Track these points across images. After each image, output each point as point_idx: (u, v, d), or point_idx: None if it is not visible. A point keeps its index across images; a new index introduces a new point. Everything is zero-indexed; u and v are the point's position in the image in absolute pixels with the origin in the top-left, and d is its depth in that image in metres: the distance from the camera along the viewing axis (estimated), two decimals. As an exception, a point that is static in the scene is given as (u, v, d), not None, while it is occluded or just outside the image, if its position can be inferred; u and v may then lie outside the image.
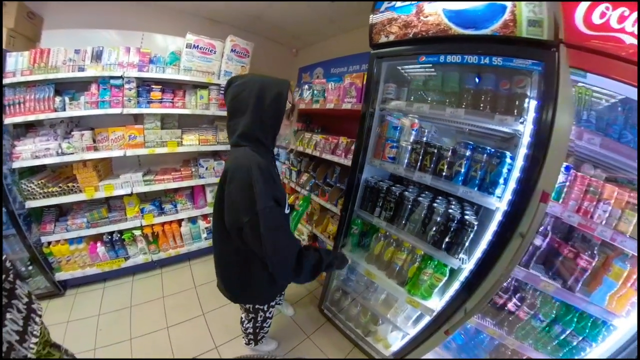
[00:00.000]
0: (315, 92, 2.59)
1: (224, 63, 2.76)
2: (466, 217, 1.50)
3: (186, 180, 2.88)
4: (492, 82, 1.41)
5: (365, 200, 1.98)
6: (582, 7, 1.06)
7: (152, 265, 2.87)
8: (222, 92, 2.70)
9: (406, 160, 1.71)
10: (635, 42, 0.98)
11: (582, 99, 1.23)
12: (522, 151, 1.28)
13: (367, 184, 1.95)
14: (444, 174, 1.53)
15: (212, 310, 2.49)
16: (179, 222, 2.99)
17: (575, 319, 1.37)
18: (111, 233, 2.65)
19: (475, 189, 1.42)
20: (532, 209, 1.17)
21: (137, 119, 2.77)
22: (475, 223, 1.45)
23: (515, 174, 1.31)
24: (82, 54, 2.39)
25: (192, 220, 3.05)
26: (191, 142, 2.83)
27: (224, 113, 2.82)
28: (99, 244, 2.59)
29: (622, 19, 1.00)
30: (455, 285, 1.62)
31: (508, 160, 1.34)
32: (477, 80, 1.46)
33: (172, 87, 2.72)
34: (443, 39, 1.38)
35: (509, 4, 1.18)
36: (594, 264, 1.25)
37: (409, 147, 1.69)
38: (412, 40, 1.50)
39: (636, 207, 1.15)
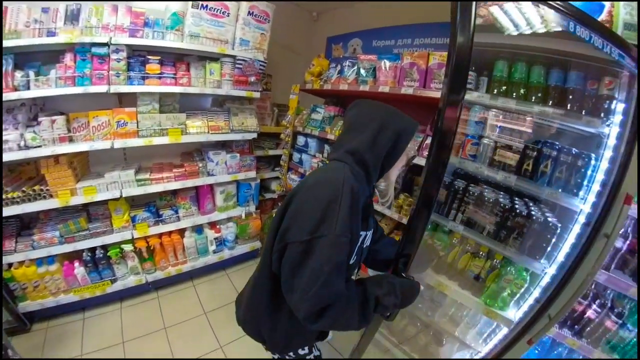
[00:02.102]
0: (361, 70, 2.13)
1: (239, 29, 2.23)
2: (549, 218, 1.41)
3: (191, 178, 2.34)
4: (580, 80, 1.36)
5: (444, 204, 1.72)
6: None
7: (146, 288, 2.31)
8: (240, 64, 2.24)
9: (488, 158, 1.55)
10: None
11: None
12: (607, 154, 1.27)
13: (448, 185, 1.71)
14: (528, 174, 1.44)
15: (231, 342, 2.00)
16: (181, 232, 2.44)
17: None
18: (93, 249, 2.08)
19: (560, 190, 1.38)
20: (616, 210, 1.20)
21: (124, 100, 2.22)
22: (559, 225, 1.38)
23: (599, 176, 1.29)
24: (51, 13, 1.82)
25: (198, 229, 2.51)
26: (198, 129, 2.29)
27: (240, 92, 2.34)
28: (76, 264, 2.02)
29: None
30: (535, 293, 1.49)
31: (593, 162, 1.32)
32: (563, 77, 1.40)
33: (173, 58, 2.17)
34: None
35: (607, 4, 1.20)
36: None
37: (492, 144, 1.53)
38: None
39: None
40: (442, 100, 1.05)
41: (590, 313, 1.44)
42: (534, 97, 1.45)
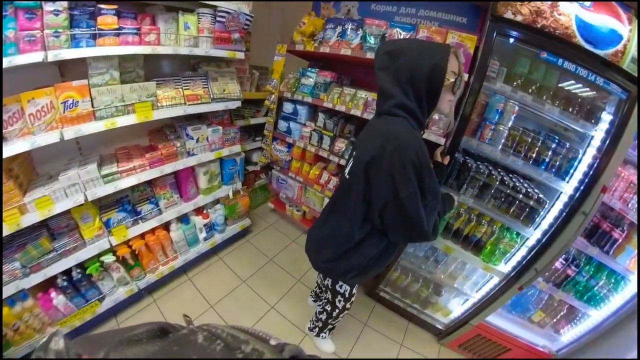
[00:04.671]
0: (368, 36, 1.97)
1: (220, -32, 1.70)
2: (541, 197, 1.79)
3: (170, 162, 1.94)
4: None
5: (449, 178, 1.96)
6: None
7: (140, 295, 2.02)
8: (222, 18, 1.77)
9: (502, 144, 1.78)
10: None
11: None
12: (591, 151, 1.62)
13: (455, 160, 1.92)
14: (532, 159, 1.74)
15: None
16: (166, 226, 2.11)
17: (606, 275, 1.86)
18: (67, 272, 1.64)
19: (552, 174, 1.72)
20: (594, 196, 1.56)
21: (69, 70, 1.57)
22: (547, 201, 1.78)
23: (583, 167, 1.65)
24: None
25: (184, 219, 2.20)
26: (173, 100, 1.83)
27: (222, 52, 1.92)
28: (52, 293, 1.58)
29: None
30: (522, 251, 1.91)
31: (580, 155, 1.68)
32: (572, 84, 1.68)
33: (133, 8, 1.56)
34: (566, 42, 1.45)
35: (625, 36, 1.38)
36: (623, 236, 1.73)
37: (506, 132, 1.76)
38: (538, 31, 1.48)
39: None
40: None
41: (558, 264, 1.90)
42: (545, 96, 1.67)
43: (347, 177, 1.28)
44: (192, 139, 2.03)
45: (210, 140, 2.14)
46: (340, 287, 1.64)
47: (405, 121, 1.11)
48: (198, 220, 2.27)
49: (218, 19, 1.81)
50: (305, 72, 2.35)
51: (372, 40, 1.98)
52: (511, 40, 1.55)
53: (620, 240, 1.73)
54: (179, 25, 1.71)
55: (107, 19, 1.46)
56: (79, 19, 1.39)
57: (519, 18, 1.49)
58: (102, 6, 1.44)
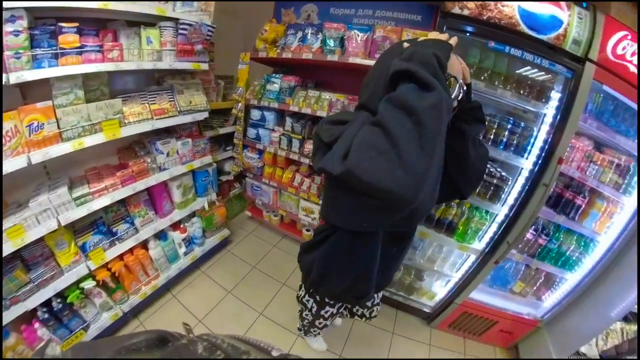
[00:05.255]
0: (328, 40, 2.18)
1: (180, -18, 1.82)
2: (504, 175, 2.02)
3: (141, 178, 1.99)
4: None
5: None
6: (614, 39, 1.59)
7: (125, 319, 2.02)
8: (184, 30, 1.90)
9: None
10: (635, 70, 1.58)
11: (597, 98, 1.82)
12: (545, 128, 1.83)
13: None
14: (491, 141, 1.94)
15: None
16: (144, 244, 2.14)
17: (575, 240, 2.07)
18: (47, 302, 1.64)
19: (511, 153, 1.92)
20: (552, 168, 1.75)
21: (31, 92, 1.60)
22: (510, 178, 2.01)
23: (538, 143, 1.86)
24: None
25: (161, 235, 2.24)
26: (140, 116, 1.90)
27: (186, 65, 2.04)
28: (36, 325, 1.56)
29: (633, 54, 1.59)
30: (493, 228, 2.11)
31: (535, 133, 1.89)
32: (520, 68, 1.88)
33: (94, 25, 1.63)
34: (512, 31, 1.66)
35: (565, 21, 1.60)
36: (585, 202, 1.94)
37: None
38: (485, 22, 1.69)
39: (613, 164, 1.85)
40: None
41: (529, 235, 2.06)
42: (497, 82, 1.85)
43: None
44: (162, 153, 2.10)
45: (180, 153, 2.21)
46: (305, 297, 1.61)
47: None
48: (176, 236, 2.32)
49: (180, 31, 1.91)
50: (270, 78, 2.52)
51: (331, 43, 2.19)
52: (467, 34, 1.73)
53: (583, 206, 1.93)
54: (142, 39, 1.80)
55: (69, 37, 1.51)
56: (39, 38, 1.44)
57: (465, 12, 1.71)
58: (63, 24, 1.49)
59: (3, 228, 1.45)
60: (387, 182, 0.64)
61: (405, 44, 0.91)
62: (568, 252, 2.07)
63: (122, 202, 2.01)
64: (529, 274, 2.29)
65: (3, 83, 1.34)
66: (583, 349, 2.09)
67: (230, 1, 2.92)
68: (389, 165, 0.64)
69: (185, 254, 2.42)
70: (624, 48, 1.60)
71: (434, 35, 0.93)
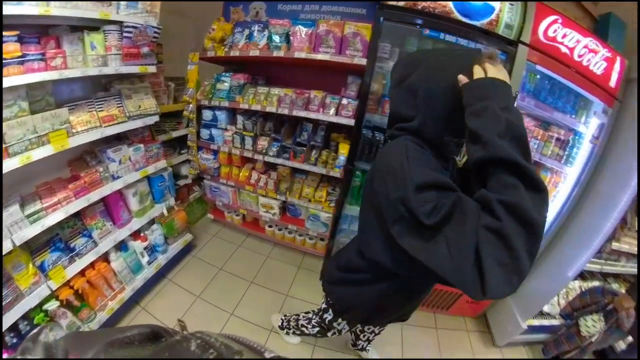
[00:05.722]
0: (273, 36, 2.34)
1: (121, -15, 1.85)
2: None
3: (95, 189, 1.99)
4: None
5: (362, 152, 2.29)
6: (544, 23, 1.83)
7: None
8: (129, 33, 1.95)
9: None
10: (567, 51, 1.87)
11: (532, 78, 2.06)
12: None
13: (364, 137, 2.25)
14: None
15: None
16: (105, 257, 2.13)
17: None
18: (13, 327, 1.59)
19: None
20: None
21: None
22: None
23: None
24: None
25: (122, 246, 2.24)
26: (88, 124, 1.90)
27: (132, 68, 2.10)
28: (5, 355, 1.53)
29: (564, 36, 1.86)
30: None
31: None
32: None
33: (35, 32, 1.62)
34: (446, 19, 1.84)
35: (497, 7, 1.81)
36: None
37: None
38: (420, 12, 1.86)
39: (553, 138, 2.11)
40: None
41: None
42: None
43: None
44: (115, 161, 2.11)
45: (133, 160, 2.23)
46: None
47: (406, 137, 0.97)
48: (137, 245, 2.33)
49: (125, 34, 1.93)
50: (220, 77, 2.62)
51: (277, 39, 2.33)
52: (404, 24, 1.86)
53: None
54: (85, 45, 1.80)
55: (9, 47, 1.49)
56: (-23, 49, 1.42)
57: (401, 3, 1.86)
58: (4, 33, 1.47)
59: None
60: (505, 289, 0.68)
61: (462, 77, 0.87)
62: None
63: (78, 215, 1.99)
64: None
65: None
66: (546, 308, 2.42)
67: (178, 1, 2.94)
68: (508, 276, 0.68)
69: (149, 263, 2.43)
70: (555, 31, 1.83)
71: (493, 70, 0.85)
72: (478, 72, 0.85)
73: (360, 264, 1.22)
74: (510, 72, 1.80)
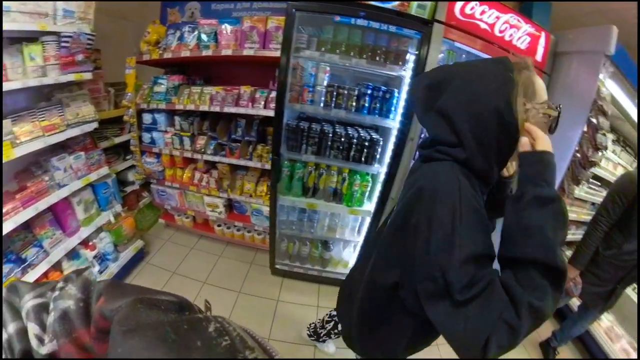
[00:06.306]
0: (202, 35, 2.57)
1: (60, -5, 2.00)
2: (373, 136, 2.36)
3: (42, 198, 2.08)
4: (385, 40, 2.16)
5: (289, 142, 2.41)
6: (460, 2, 1.97)
7: None
8: (66, 42, 2.09)
9: (322, 101, 2.31)
10: (486, 27, 2.02)
11: (452, 55, 2.20)
12: (405, 88, 2.21)
13: (289, 127, 2.37)
14: (354, 108, 2.27)
15: None
16: (57, 267, 2.22)
17: None
18: None
19: (377, 116, 2.26)
20: (415, 123, 2.10)
21: None
22: (381, 139, 2.34)
23: (402, 103, 2.19)
24: None
25: (73, 255, 2.33)
26: (31, 135, 2.01)
27: (69, 77, 2.28)
28: None
29: (482, 12, 2.01)
30: (379, 187, 2.47)
31: (396, 95, 2.23)
32: (374, 38, 2.15)
33: (-28, 45, 1.71)
34: (356, 4, 1.97)
35: None
36: None
37: (324, 90, 2.28)
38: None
39: None
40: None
41: None
42: (352, 53, 2.13)
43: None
44: (60, 169, 2.21)
45: (75, 168, 2.34)
46: None
47: (451, 164, 0.93)
48: (88, 253, 2.43)
49: (63, 44, 2.08)
50: (157, 79, 2.81)
51: (205, 39, 2.55)
52: (305, 12, 1.97)
53: None
54: (25, 57, 1.92)
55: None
56: None
57: None
58: None
59: None
60: (504, 347, 0.75)
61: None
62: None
63: (28, 226, 2.08)
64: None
65: None
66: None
67: (110, 1, 2.99)
68: (505, 350, 0.76)
69: (101, 272, 2.53)
70: (472, 8, 1.94)
71: (541, 137, 0.87)
72: (533, 132, 0.87)
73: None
74: (427, 52, 1.96)
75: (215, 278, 2.97)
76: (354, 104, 2.26)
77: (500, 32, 2.09)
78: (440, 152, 0.96)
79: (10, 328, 0.39)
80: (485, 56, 2.06)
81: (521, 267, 0.78)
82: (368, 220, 2.58)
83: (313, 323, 2.29)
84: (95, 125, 2.46)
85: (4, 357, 0.37)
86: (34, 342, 0.38)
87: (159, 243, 3.33)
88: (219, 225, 3.34)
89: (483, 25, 2.04)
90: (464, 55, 2.19)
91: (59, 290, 0.42)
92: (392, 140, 2.30)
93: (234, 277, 3.01)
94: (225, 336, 0.34)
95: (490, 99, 0.87)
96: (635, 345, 2.69)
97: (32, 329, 0.39)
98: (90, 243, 2.50)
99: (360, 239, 2.73)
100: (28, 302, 0.41)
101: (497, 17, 2.05)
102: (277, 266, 2.94)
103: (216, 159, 2.87)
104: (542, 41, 2.23)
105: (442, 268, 0.80)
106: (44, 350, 0.37)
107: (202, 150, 2.87)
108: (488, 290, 0.76)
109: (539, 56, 2.25)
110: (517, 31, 2.11)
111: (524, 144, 0.87)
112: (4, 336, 0.38)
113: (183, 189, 3.16)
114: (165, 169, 3.14)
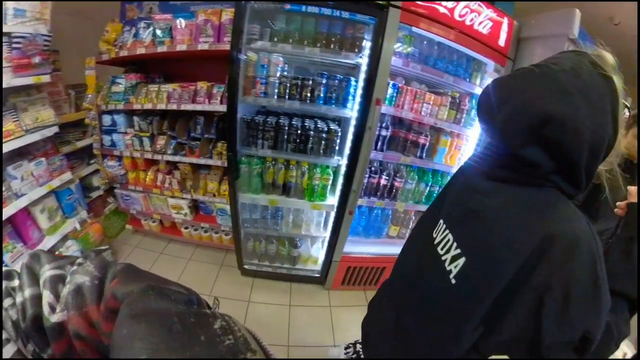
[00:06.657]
0: (157, 31, 2.56)
1: (7, -6, 1.93)
2: (331, 127, 2.34)
3: (-1, 210, 2.06)
4: (340, 27, 2.13)
5: (246, 138, 2.37)
6: None
7: None
8: (18, 44, 2.06)
9: (276, 93, 2.26)
10: (446, 11, 1.99)
11: (410, 41, 2.20)
12: (362, 76, 2.14)
13: (244, 121, 2.32)
14: (308, 99, 2.23)
15: None
16: (22, 280, 2.15)
17: (430, 176, 2.47)
18: None
19: (333, 106, 2.21)
20: (372, 111, 2.07)
21: None
22: (339, 129, 2.33)
23: (359, 91, 2.17)
24: None
25: (38, 266, 2.27)
26: (-13, 143, 1.97)
27: (26, 80, 2.24)
28: None
29: None
30: (341, 180, 2.46)
31: (353, 83, 2.19)
32: (328, 25, 2.12)
33: None
34: None
35: None
36: (429, 141, 2.30)
37: (277, 82, 2.24)
38: None
39: (448, 101, 2.24)
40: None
41: (383, 181, 2.38)
42: (306, 42, 2.09)
43: (454, 282, 0.92)
44: (16, 178, 2.16)
45: (36, 175, 2.31)
46: None
47: (560, 194, 0.80)
48: (53, 264, 2.39)
49: (14, 45, 2.03)
50: (115, 79, 2.76)
51: (160, 34, 2.54)
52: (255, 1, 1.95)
53: (427, 144, 2.29)
54: None
55: None
56: None
57: None
58: None
59: None
60: None
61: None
62: (429, 188, 2.50)
63: (-14, 241, 2.03)
64: (399, 217, 2.71)
65: None
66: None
67: (71, 1, 2.92)
68: None
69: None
70: None
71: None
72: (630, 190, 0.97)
73: None
74: (382, 38, 1.94)
75: (185, 282, 2.63)
76: (308, 94, 2.23)
77: (461, 16, 2.09)
78: (540, 178, 0.81)
79: (27, 292, 0.43)
80: (455, 45, 2.16)
81: (616, 298, 0.81)
82: (332, 214, 2.57)
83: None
84: (55, 129, 2.42)
85: (15, 316, 0.41)
86: (45, 309, 0.40)
87: (127, 250, 3.29)
88: (186, 228, 3.33)
89: (442, 10, 2.04)
90: (425, 42, 2.23)
91: (78, 266, 0.45)
92: (351, 131, 2.28)
93: (204, 280, 3.02)
94: (230, 335, 0.34)
95: (606, 127, 0.74)
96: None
97: (47, 296, 0.41)
98: (57, 253, 2.45)
99: (327, 234, 2.67)
100: (47, 272, 0.45)
101: (457, 1, 2.06)
102: (246, 266, 2.93)
103: (176, 158, 2.85)
104: (504, 27, 2.25)
105: (588, 331, 0.72)
106: (54, 318, 0.40)
107: (163, 150, 2.85)
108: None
109: (502, 41, 2.28)
110: (477, 16, 2.12)
111: (634, 194, 0.94)
112: (19, 299, 0.42)
113: (147, 192, 3.14)
114: (127, 172, 3.11)
